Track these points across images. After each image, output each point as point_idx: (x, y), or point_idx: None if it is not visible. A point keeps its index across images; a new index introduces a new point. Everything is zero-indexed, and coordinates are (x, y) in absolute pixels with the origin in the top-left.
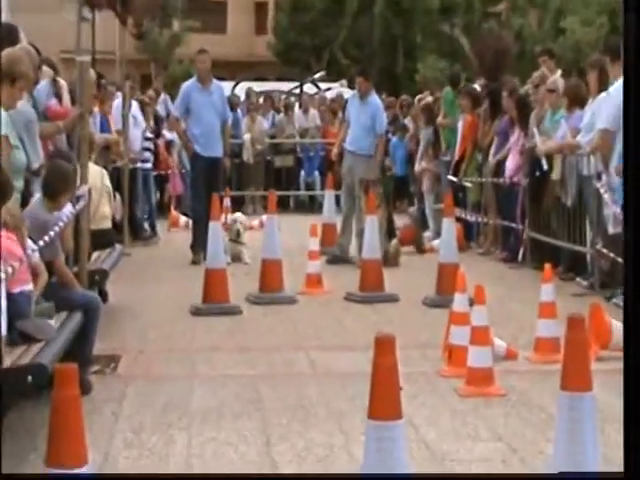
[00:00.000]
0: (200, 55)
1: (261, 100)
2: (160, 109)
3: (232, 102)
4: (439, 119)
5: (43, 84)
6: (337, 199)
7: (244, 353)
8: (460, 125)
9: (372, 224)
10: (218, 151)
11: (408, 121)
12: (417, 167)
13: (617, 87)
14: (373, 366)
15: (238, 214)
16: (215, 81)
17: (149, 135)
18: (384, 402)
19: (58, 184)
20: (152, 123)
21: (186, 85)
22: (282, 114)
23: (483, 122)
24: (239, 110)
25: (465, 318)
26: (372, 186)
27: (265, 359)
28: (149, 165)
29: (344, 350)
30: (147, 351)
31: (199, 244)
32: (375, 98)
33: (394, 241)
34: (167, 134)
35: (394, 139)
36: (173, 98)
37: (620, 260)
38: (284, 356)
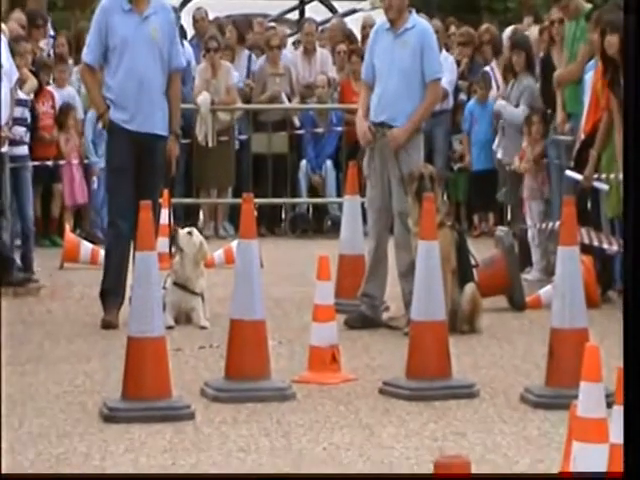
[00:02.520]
0: None
1: (228, 32)
2: (44, 48)
3: None
4: (557, 72)
5: None
6: (365, 211)
7: None
8: (589, 79)
9: (429, 256)
10: (158, 125)
11: (494, 68)
12: (501, 153)
13: None
14: None
15: (190, 229)
16: None
17: (23, 96)
18: None
19: None
20: (29, 73)
21: (105, 4)
22: (265, 57)
23: None
24: (187, 49)
25: (599, 429)
26: (429, 186)
27: None
28: (24, 150)
29: None
30: None
31: (117, 292)
32: (418, 22)
33: (470, 287)
34: (57, 93)
35: (471, 102)
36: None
37: None
38: None
